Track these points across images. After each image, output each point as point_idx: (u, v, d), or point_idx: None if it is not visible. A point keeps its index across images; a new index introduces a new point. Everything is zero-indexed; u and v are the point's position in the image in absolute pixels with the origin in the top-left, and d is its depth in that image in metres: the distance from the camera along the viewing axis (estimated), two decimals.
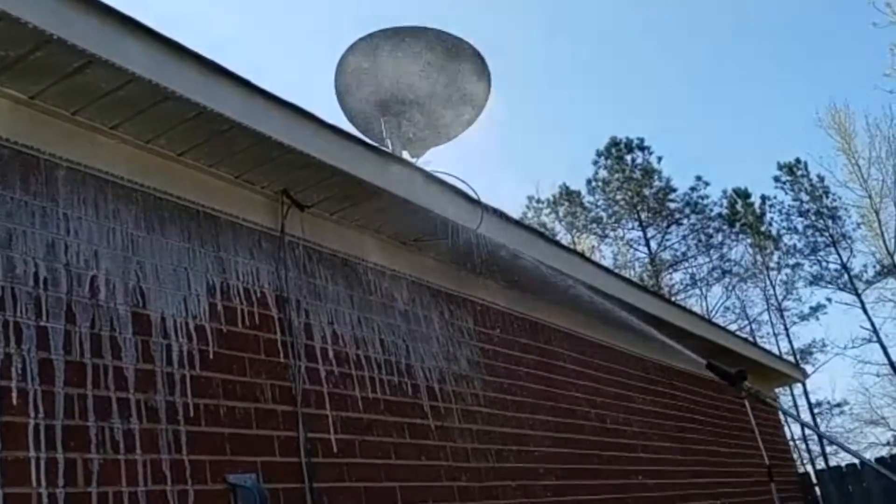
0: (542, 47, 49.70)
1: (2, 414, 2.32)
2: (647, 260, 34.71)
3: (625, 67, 50.57)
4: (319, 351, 3.58)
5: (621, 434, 6.10)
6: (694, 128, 49.79)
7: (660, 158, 35.14)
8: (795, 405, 32.43)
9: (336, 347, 3.68)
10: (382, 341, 3.99)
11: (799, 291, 34.50)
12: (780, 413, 10.96)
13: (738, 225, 35.21)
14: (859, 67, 44.87)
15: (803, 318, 34.25)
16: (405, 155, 5.08)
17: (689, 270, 35.06)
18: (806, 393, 32.21)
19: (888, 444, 31.32)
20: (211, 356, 3.06)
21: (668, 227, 34.98)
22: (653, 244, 34.93)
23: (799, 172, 35.23)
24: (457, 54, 5.17)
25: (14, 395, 2.37)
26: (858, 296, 32.39)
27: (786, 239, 35.23)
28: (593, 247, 34.11)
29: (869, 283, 32.79)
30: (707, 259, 34.93)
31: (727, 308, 34.36)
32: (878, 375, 32.22)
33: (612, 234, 35.23)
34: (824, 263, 34.18)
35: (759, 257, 34.80)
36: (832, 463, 26.09)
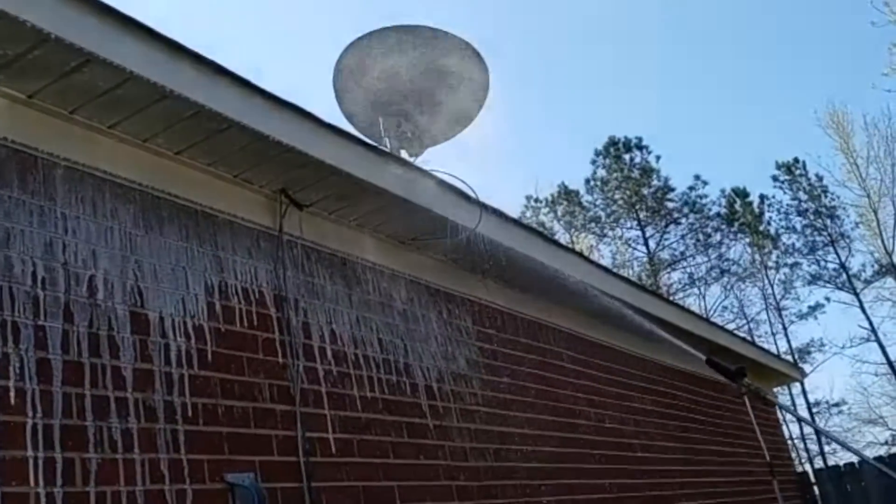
0: (541, 47, 49.72)
1: (0, 413, 2.32)
2: (645, 259, 34.72)
3: (624, 67, 50.60)
4: (318, 350, 3.58)
5: (621, 433, 6.11)
6: (692, 127, 49.85)
7: (658, 158, 35.18)
8: (794, 404, 32.45)
9: (334, 347, 3.68)
10: (381, 340, 3.99)
11: (797, 291, 34.55)
12: (778, 413, 10.97)
13: (736, 224, 35.22)
14: (858, 67, 44.97)
15: (802, 317, 34.29)
16: (403, 154, 5.07)
17: (688, 270, 35.10)
18: (804, 392, 32.26)
19: (886, 443, 31.35)
20: (209, 356, 3.05)
21: (667, 226, 34.99)
22: (651, 243, 34.96)
23: (797, 172, 35.25)
24: (455, 53, 5.17)
25: (12, 394, 2.36)
26: (857, 295, 32.42)
27: (784, 238, 35.28)
28: (592, 246, 34.13)
29: (867, 282, 32.84)
30: (705, 258, 34.97)
31: (725, 308, 34.40)
32: (876, 375, 32.27)
33: (610, 233, 35.25)
34: (823, 263, 34.23)
35: (757, 256, 34.83)
36: (830, 462, 26.14)
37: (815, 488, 11.17)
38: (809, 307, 34.11)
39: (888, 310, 32.13)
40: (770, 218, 35.50)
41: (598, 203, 35.58)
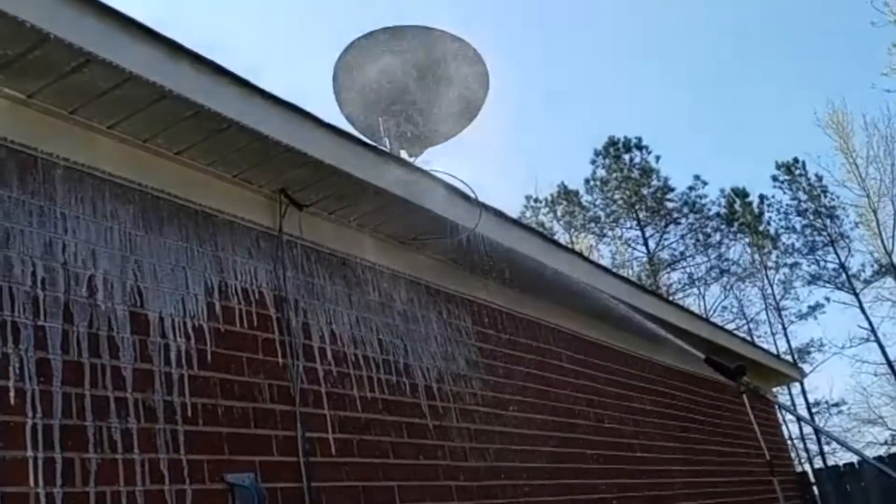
0: (540, 46, 49.71)
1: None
2: (645, 259, 34.71)
3: (623, 66, 50.61)
4: (317, 350, 3.58)
5: (620, 433, 6.11)
6: (692, 127, 49.85)
7: (658, 158, 35.17)
8: (794, 405, 32.42)
9: (334, 347, 3.68)
10: (380, 341, 3.99)
11: (797, 291, 34.52)
12: (777, 412, 10.96)
13: (736, 224, 35.20)
14: (857, 67, 44.99)
15: (801, 317, 34.27)
16: (403, 154, 5.08)
17: (687, 270, 35.08)
18: (804, 392, 32.25)
19: (886, 443, 31.35)
20: (209, 356, 3.05)
21: (667, 226, 34.98)
22: (651, 243, 34.95)
23: (797, 172, 35.24)
24: (455, 54, 5.17)
25: (12, 394, 2.36)
26: (856, 295, 32.41)
27: (784, 238, 35.25)
28: (591, 246, 34.12)
29: (867, 282, 32.81)
30: (705, 258, 34.94)
31: (725, 308, 34.38)
32: (875, 375, 32.25)
33: (610, 233, 35.23)
34: (822, 263, 34.20)
35: (757, 257, 34.81)
36: (830, 462, 26.14)
37: (815, 488, 11.17)
38: (809, 307, 34.13)
39: (888, 310, 32.13)
40: (770, 218, 35.52)
41: (597, 203, 35.59)
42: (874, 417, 32.13)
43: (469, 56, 5.23)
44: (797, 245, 34.90)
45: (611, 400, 6.18)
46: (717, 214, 35.22)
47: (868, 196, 31.96)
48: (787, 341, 33.64)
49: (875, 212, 31.67)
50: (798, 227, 34.99)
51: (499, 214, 4.66)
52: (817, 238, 34.40)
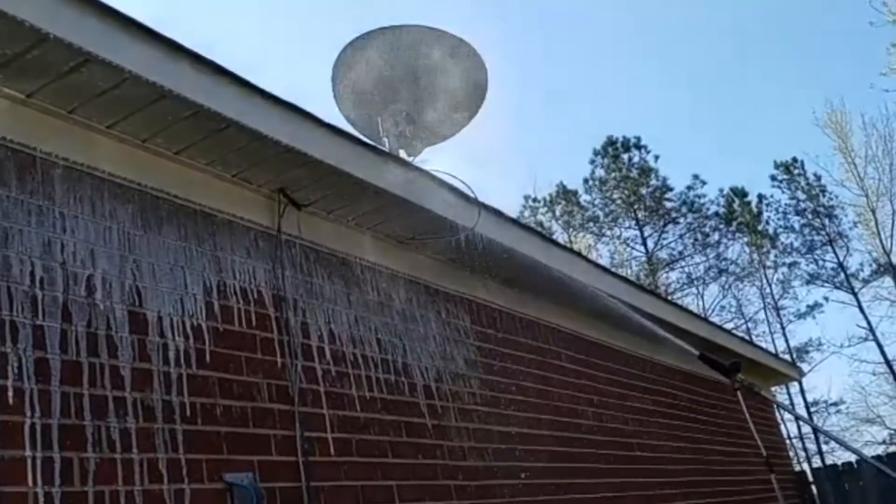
0: (540, 46, 49.72)
1: None
2: (643, 259, 34.72)
3: (623, 66, 50.60)
4: (316, 350, 3.58)
5: (620, 433, 6.11)
6: (691, 126, 49.86)
7: (657, 157, 35.18)
8: (792, 404, 32.43)
9: (333, 346, 3.68)
10: (379, 340, 3.99)
11: (795, 290, 34.54)
12: (776, 412, 10.97)
13: (734, 224, 35.22)
14: (856, 67, 44.98)
15: (800, 316, 34.28)
16: (402, 154, 5.07)
17: (686, 269, 35.09)
18: (802, 391, 32.25)
19: (884, 442, 31.38)
20: (208, 355, 3.05)
21: (665, 225, 34.98)
22: (649, 243, 34.95)
23: (796, 171, 35.25)
24: (455, 53, 5.17)
25: (10, 393, 2.36)
26: (855, 294, 32.43)
27: (782, 238, 35.26)
28: (590, 246, 34.13)
29: (865, 281, 32.83)
30: (704, 258, 34.95)
31: (723, 307, 34.40)
32: (874, 374, 32.28)
33: (608, 232, 35.23)
34: (821, 262, 34.22)
35: (755, 256, 34.82)
36: (829, 462, 26.14)
37: (813, 487, 11.17)
38: (808, 306, 34.15)
39: (886, 309, 32.15)
40: (768, 217, 35.53)
41: (596, 203, 35.60)
42: (872, 417, 32.18)
43: (468, 55, 5.23)
44: (796, 244, 34.95)
45: (610, 399, 6.18)
46: (716, 214, 35.25)
47: (866, 196, 31.99)
48: (786, 341, 33.69)
49: (873, 211, 31.71)
50: (797, 226, 35.04)
51: (498, 214, 4.66)
52: (816, 237, 34.44)
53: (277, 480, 3.09)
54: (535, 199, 35.75)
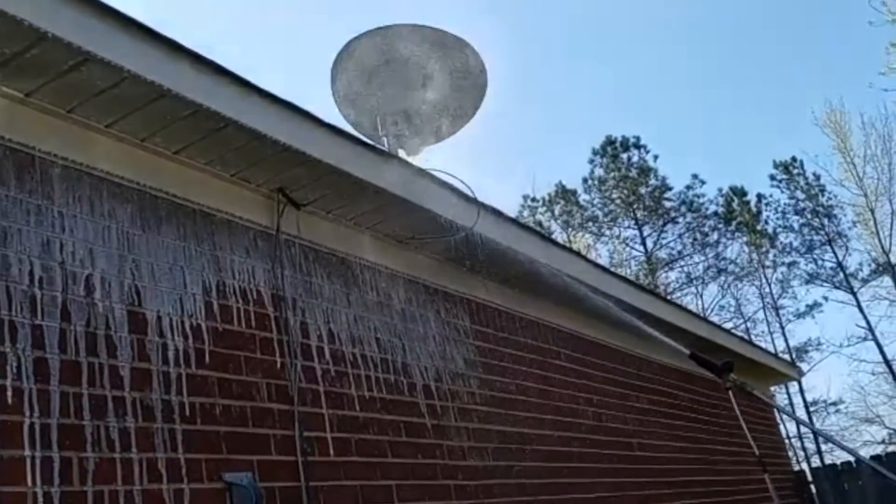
0: (539, 45, 49.72)
1: None
2: (642, 258, 34.73)
3: (622, 66, 50.61)
4: (315, 349, 3.58)
5: (619, 432, 6.11)
6: (690, 126, 49.86)
7: (656, 157, 35.20)
8: (791, 403, 32.47)
9: (332, 346, 3.68)
10: (378, 340, 3.99)
11: (794, 290, 34.57)
12: (775, 410, 10.96)
13: (733, 223, 35.23)
14: (855, 66, 44.97)
15: (799, 316, 34.31)
16: (401, 153, 5.06)
17: (685, 269, 35.11)
18: (802, 391, 32.26)
19: (883, 442, 31.39)
20: (207, 355, 3.05)
21: (664, 225, 34.99)
22: (648, 242, 34.97)
23: (795, 171, 35.27)
24: (454, 52, 5.16)
25: (9, 393, 2.36)
26: (854, 294, 32.45)
27: (781, 237, 35.29)
28: (589, 245, 34.14)
29: (864, 281, 32.85)
30: (703, 257, 34.98)
31: (722, 307, 34.43)
32: (873, 374, 32.30)
33: (607, 232, 35.25)
34: (820, 262, 34.25)
35: (754, 255, 34.84)
36: (828, 461, 26.14)
37: (812, 487, 11.17)
38: (807, 306, 34.18)
39: (885, 309, 32.22)
40: (767, 217, 35.56)
41: (595, 202, 35.62)
42: (871, 416, 32.21)
43: (467, 55, 5.22)
44: (795, 244, 34.98)
45: (610, 399, 6.18)
46: (715, 213, 35.27)
47: (865, 195, 32.00)
48: (785, 340, 33.71)
49: (872, 211, 31.73)
50: (796, 226, 35.07)
51: (497, 213, 4.66)
52: (815, 237, 34.46)
53: (277, 480, 3.09)
54: (534, 199, 35.80)
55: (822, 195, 34.57)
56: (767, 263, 34.88)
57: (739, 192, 35.66)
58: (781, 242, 35.22)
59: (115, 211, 2.94)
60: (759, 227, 35.14)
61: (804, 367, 29.69)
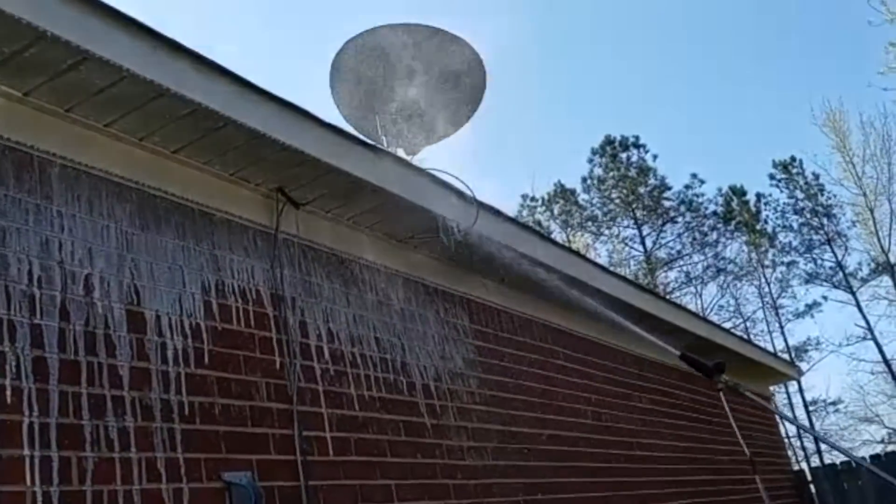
0: (538, 44, 49.71)
1: None
2: (642, 258, 34.73)
3: (621, 65, 50.61)
4: (315, 349, 3.58)
5: (619, 432, 6.11)
6: (689, 125, 49.87)
7: (655, 156, 35.19)
8: (791, 403, 32.50)
9: (331, 345, 3.67)
10: (378, 339, 3.98)
11: (794, 289, 34.56)
12: (776, 411, 10.96)
13: (733, 223, 35.22)
14: (855, 66, 44.97)
15: (798, 315, 34.30)
16: (400, 153, 5.07)
17: (684, 268, 35.11)
18: (801, 391, 32.26)
19: (882, 441, 31.41)
20: (206, 354, 3.05)
21: (663, 224, 34.99)
22: (648, 242, 34.97)
23: (794, 170, 35.27)
24: (453, 52, 5.17)
25: (8, 392, 2.36)
26: (853, 294, 32.45)
27: (781, 237, 35.28)
28: (588, 245, 34.13)
29: (864, 280, 32.85)
30: (702, 257, 34.97)
31: (721, 306, 34.42)
32: (872, 373, 32.31)
33: (607, 232, 35.24)
34: (819, 261, 34.25)
35: (753, 255, 34.84)
36: (827, 461, 26.16)
37: (812, 486, 11.18)
38: (806, 306, 34.17)
39: (884, 308, 32.25)
40: (767, 216, 35.55)
41: (594, 202, 35.61)
42: (871, 416, 32.22)
43: (466, 54, 5.22)
44: (794, 243, 34.97)
45: (609, 398, 6.18)
46: (714, 213, 35.26)
47: (865, 195, 31.99)
48: (784, 340, 33.71)
49: (872, 210, 31.71)
50: (795, 225, 35.06)
51: (496, 213, 4.66)
52: (814, 237, 34.47)
53: (276, 479, 3.09)
54: (533, 199, 35.78)
55: (822, 195, 34.58)
56: (767, 263, 34.89)
57: (739, 192, 35.66)
58: (781, 242, 35.23)
59: (114, 210, 2.93)
60: (758, 227, 35.14)
61: (803, 366, 29.72)
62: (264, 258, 3.52)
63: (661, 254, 35.13)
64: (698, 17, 48.69)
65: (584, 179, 35.56)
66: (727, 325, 28.83)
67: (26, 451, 2.34)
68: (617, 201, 35.04)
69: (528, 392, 5.10)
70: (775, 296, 34.37)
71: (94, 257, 2.79)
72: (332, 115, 5.08)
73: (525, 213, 35.16)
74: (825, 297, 33.71)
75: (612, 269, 15.16)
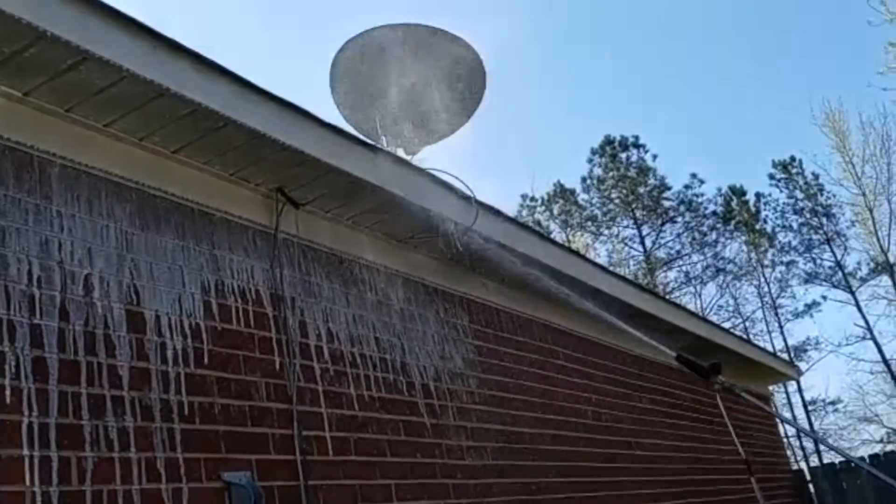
0: (538, 44, 49.70)
1: None
2: (641, 258, 34.74)
3: (621, 65, 50.60)
4: (314, 349, 3.58)
5: (618, 432, 6.11)
6: (689, 125, 49.87)
7: (655, 156, 35.19)
8: (790, 403, 32.51)
9: (331, 345, 3.68)
10: (377, 339, 3.98)
11: (793, 289, 34.56)
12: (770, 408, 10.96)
13: (732, 223, 35.23)
14: (854, 66, 44.97)
15: (797, 315, 34.30)
16: (400, 153, 5.07)
17: (684, 268, 35.11)
18: (800, 390, 32.27)
19: (881, 441, 31.42)
20: (205, 354, 3.05)
21: (663, 224, 34.99)
22: (647, 242, 34.97)
23: (794, 170, 35.27)
24: (452, 52, 5.17)
25: (8, 392, 2.36)
26: (853, 293, 32.45)
27: (780, 237, 35.28)
28: (588, 245, 34.14)
29: (863, 280, 32.85)
30: (701, 257, 34.97)
31: (721, 306, 34.43)
32: (871, 373, 32.31)
33: (606, 231, 35.25)
34: (819, 261, 34.25)
35: (753, 255, 34.84)
36: (826, 460, 26.17)
37: (811, 486, 11.18)
38: (805, 305, 34.17)
39: (884, 308, 32.25)
40: (766, 216, 35.56)
41: (594, 202, 35.61)
42: (870, 415, 32.23)
43: (467, 54, 5.22)
44: (794, 243, 34.97)
45: (610, 399, 6.18)
46: (714, 213, 35.26)
47: (864, 195, 31.99)
48: (784, 339, 33.72)
49: (871, 210, 31.71)
50: (794, 225, 35.07)
51: (495, 212, 4.66)
52: (814, 236, 34.47)
53: (275, 479, 3.09)
54: (532, 198, 35.78)
55: (821, 194, 34.58)
56: (766, 263, 34.90)
57: (738, 192, 35.67)
58: (780, 242, 35.24)
59: (114, 210, 2.93)
60: (757, 227, 35.15)
61: (803, 366, 29.74)
62: (264, 258, 3.52)
63: (661, 254, 35.15)
64: (698, 17, 48.70)
65: (583, 179, 35.59)
66: (726, 325, 28.85)
67: (26, 451, 2.34)
68: (616, 201, 35.04)
69: (528, 392, 5.10)
70: (775, 295, 34.39)
71: (94, 257, 2.79)
72: (332, 115, 5.09)
73: (525, 212, 35.18)
74: (824, 297, 33.75)
75: (611, 268, 15.17)
